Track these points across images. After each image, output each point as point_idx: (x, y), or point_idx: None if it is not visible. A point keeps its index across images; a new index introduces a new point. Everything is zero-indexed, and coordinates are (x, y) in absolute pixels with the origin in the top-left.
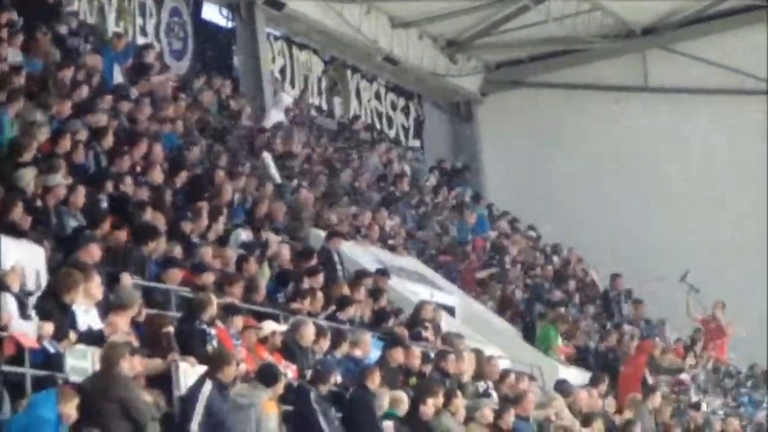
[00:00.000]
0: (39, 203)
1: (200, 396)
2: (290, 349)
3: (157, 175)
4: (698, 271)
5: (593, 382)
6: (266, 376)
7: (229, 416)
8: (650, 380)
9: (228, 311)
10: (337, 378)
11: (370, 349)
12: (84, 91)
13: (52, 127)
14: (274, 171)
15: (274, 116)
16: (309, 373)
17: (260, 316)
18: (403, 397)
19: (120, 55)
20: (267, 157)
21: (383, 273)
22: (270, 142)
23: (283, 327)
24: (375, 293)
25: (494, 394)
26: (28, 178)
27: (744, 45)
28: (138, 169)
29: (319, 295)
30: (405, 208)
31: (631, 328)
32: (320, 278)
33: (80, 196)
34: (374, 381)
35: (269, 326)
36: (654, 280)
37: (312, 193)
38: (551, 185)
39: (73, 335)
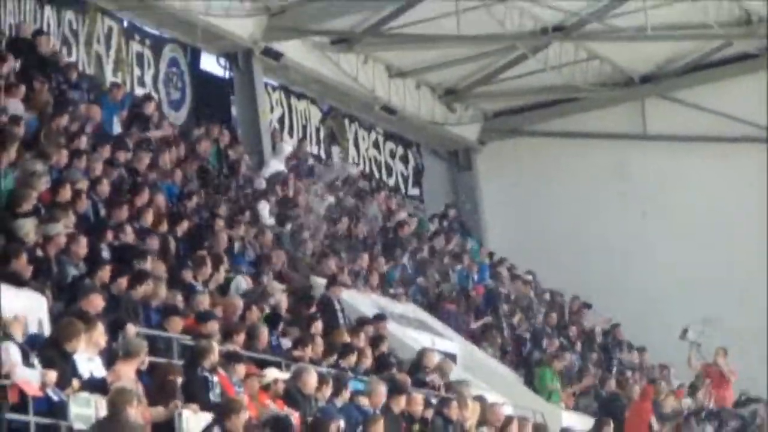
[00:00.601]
0: (40, 252)
1: None
2: (292, 396)
3: (160, 224)
4: (699, 314)
5: (597, 428)
6: (279, 428)
7: None
8: (655, 426)
9: (230, 359)
10: (340, 425)
11: (382, 399)
12: (82, 141)
13: (52, 177)
14: (267, 219)
15: (274, 165)
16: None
17: (262, 364)
18: None
19: (118, 105)
20: (262, 207)
21: (381, 318)
22: (268, 191)
23: (285, 375)
24: (375, 340)
25: None
26: (28, 228)
27: (743, 93)
28: (138, 218)
29: (320, 341)
30: (405, 256)
31: (633, 374)
32: (319, 325)
33: (82, 246)
34: (377, 430)
35: (272, 374)
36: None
37: (312, 241)
38: (551, 232)
39: (76, 383)
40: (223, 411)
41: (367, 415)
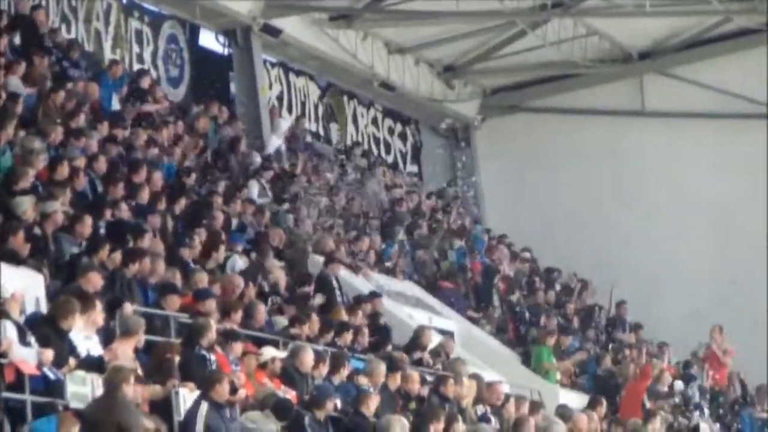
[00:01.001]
0: (37, 230)
1: (198, 416)
2: (289, 374)
3: (157, 202)
4: (697, 296)
5: (591, 406)
6: (281, 410)
7: None
8: (648, 405)
9: (227, 337)
10: (336, 403)
11: (382, 379)
12: (80, 119)
13: (49, 155)
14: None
15: (275, 142)
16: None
17: (259, 342)
18: (402, 422)
19: (117, 83)
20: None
21: (377, 295)
22: (261, 170)
23: (282, 353)
24: (372, 317)
25: (493, 419)
26: (25, 206)
27: (742, 69)
28: (136, 196)
29: (316, 319)
30: (402, 233)
31: (633, 351)
32: (316, 303)
33: (86, 225)
34: (369, 407)
35: (269, 352)
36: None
37: (310, 218)
38: (549, 209)
39: (73, 361)
40: (207, 383)
41: (360, 392)
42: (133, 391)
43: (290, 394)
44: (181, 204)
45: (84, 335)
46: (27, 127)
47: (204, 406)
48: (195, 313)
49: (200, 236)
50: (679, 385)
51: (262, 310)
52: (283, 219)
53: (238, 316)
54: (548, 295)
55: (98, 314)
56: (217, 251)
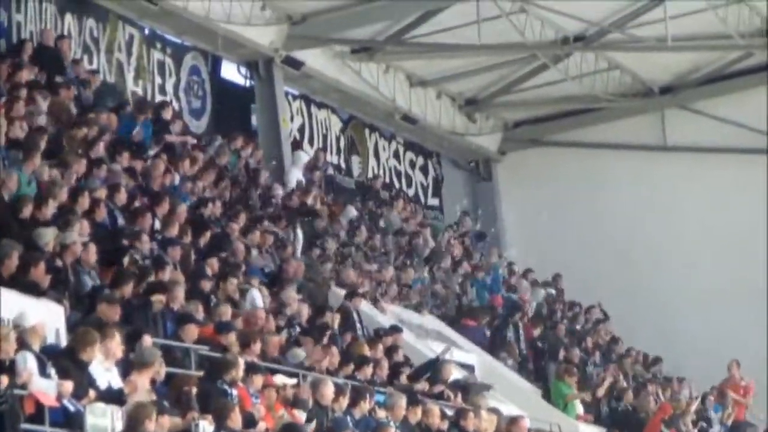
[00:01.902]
0: (59, 262)
1: None
2: (308, 406)
3: (182, 234)
4: (715, 325)
5: None
6: None
7: None
8: None
9: (248, 370)
10: None
11: (402, 412)
12: (100, 150)
13: (70, 186)
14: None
15: (295, 174)
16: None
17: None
18: None
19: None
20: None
21: (397, 330)
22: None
23: (292, 380)
24: (390, 350)
25: None
26: (48, 237)
27: (763, 104)
28: (162, 227)
29: (335, 352)
30: (424, 267)
31: (654, 387)
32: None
33: (92, 253)
34: None
35: (279, 380)
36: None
37: (331, 251)
38: (570, 243)
39: (92, 393)
40: (219, 414)
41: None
42: (155, 427)
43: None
44: (204, 236)
45: (104, 367)
46: (49, 158)
47: None
48: (216, 345)
49: (212, 267)
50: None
51: (276, 342)
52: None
53: (257, 347)
54: (569, 327)
55: (117, 345)
56: (225, 282)
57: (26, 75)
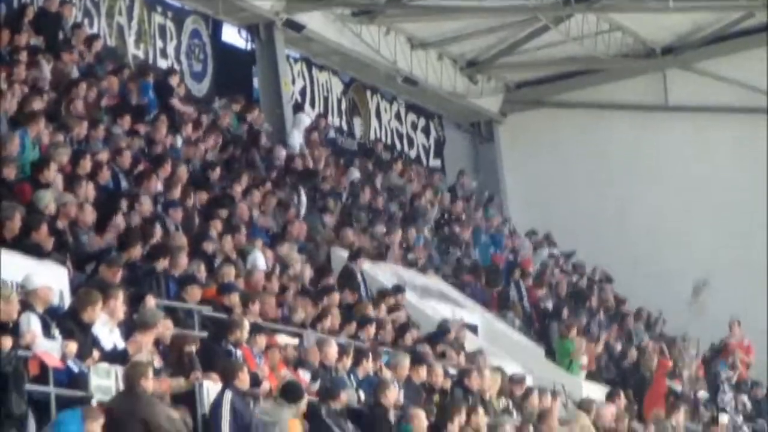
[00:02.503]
0: (59, 224)
1: (224, 403)
2: (313, 367)
3: (183, 196)
4: (723, 291)
5: (610, 397)
6: (290, 393)
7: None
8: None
9: (252, 331)
10: (350, 394)
11: (406, 372)
12: (102, 113)
13: (72, 149)
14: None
15: (297, 137)
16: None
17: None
18: (422, 415)
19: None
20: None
21: (400, 290)
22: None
23: (294, 340)
24: (393, 310)
25: (515, 412)
26: (47, 199)
27: (764, 64)
28: (160, 189)
29: (337, 312)
30: (426, 227)
31: (653, 344)
32: (336, 297)
33: (88, 214)
34: (388, 397)
35: (281, 340)
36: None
37: (333, 212)
38: (572, 204)
39: (96, 354)
40: (227, 373)
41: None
42: (153, 385)
43: (303, 381)
44: (204, 197)
45: (107, 328)
46: (51, 122)
47: (228, 394)
48: (219, 306)
49: (216, 228)
50: (703, 394)
51: (272, 302)
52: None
53: (256, 308)
54: (571, 288)
55: (119, 306)
56: (236, 243)
57: (26, 39)
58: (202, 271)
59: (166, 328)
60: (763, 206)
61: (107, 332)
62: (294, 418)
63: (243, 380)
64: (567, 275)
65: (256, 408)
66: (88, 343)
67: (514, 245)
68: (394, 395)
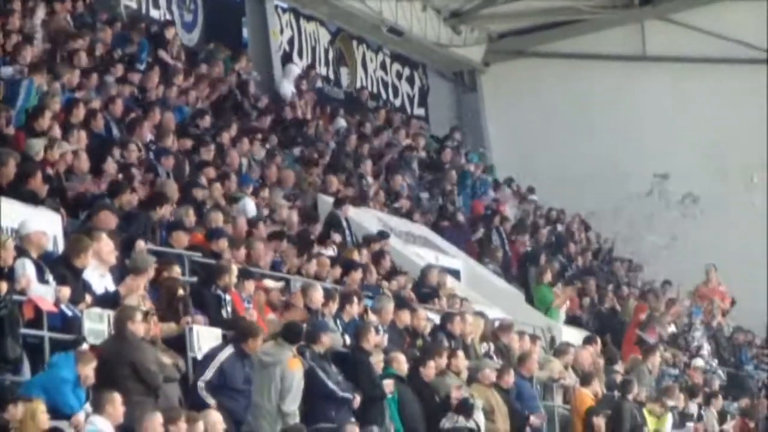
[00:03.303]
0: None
1: (217, 358)
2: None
3: (170, 143)
4: (703, 238)
5: (587, 342)
6: (291, 334)
7: (255, 374)
8: (651, 341)
9: (240, 276)
10: (333, 338)
11: (390, 317)
12: (94, 62)
13: (64, 97)
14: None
15: (286, 87)
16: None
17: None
18: (401, 358)
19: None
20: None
21: (384, 235)
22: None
23: (279, 284)
24: (378, 255)
25: (495, 356)
26: (38, 148)
27: (742, 15)
28: (150, 137)
29: (323, 259)
30: (409, 175)
31: (632, 290)
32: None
33: (83, 161)
34: (369, 340)
35: (266, 283)
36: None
37: (319, 160)
38: (553, 152)
39: (89, 298)
40: (243, 333)
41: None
42: (143, 329)
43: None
44: (195, 145)
45: (98, 273)
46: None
47: (228, 351)
48: (207, 252)
49: (207, 175)
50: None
51: (261, 248)
52: (292, 162)
53: (242, 254)
54: (551, 236)
55: (108, 249)
56: (225, 190)
57: None
58: (190, 216)
59: (176, 274)
60: (738, 154)
61: (98, 277)
62: (294, 357)
63: (252, 347)
64: (547, 222)
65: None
66: (79, 287)
67: (495, 193)
68: (374, 339)
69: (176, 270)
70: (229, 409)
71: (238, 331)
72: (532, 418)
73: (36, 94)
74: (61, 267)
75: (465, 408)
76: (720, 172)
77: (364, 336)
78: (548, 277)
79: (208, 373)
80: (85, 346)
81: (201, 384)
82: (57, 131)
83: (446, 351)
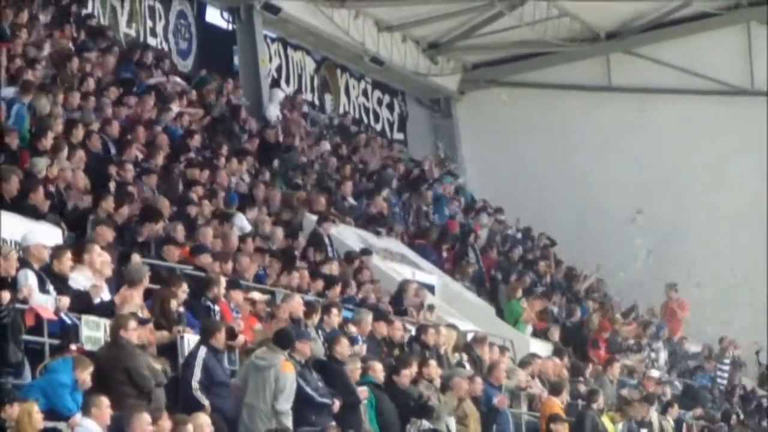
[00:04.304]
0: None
1: (197, 359)
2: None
3: (161, 160)
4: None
5: (557, 354)
6: (282, 340)
7: (250, 377)
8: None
9: (228, 286)
10: (312, 346)
11: (369, 328)
12: (90, 84)
13: (64, 118)
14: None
15: (273, 111)
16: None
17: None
18: (378, 366)
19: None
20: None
21: (365, 252)
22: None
23: (265, 296)
24: (358, 271)
25: (467, 366)
26: (41, 166)
27: (700, 49)
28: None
29: (305, 272)
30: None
31: (596, 304)
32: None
33: (80, 179)
34: (341, 349)
35: (252, 295)
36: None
37: (306, 181)
38: (523, 175)
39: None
40: (207, 331)
41: (354, 341)
42: (136, 337)
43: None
44: (187, 165)
45: (90, 284)
46: (48, 94)
47: (203, 351)
48: (192, 265)
49: (197, 193)
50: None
51: (246, 262)
52: (280, 181)
53: (229, 267)
54: (522, 254)
55: (98, 260)
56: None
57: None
58: (179, 232)
59: (182, 291)
60: (701, 181)
61: (88, 284)
62: (287, 360)
63: (219, 340)
64: (517, 242)
65: (253, 354)
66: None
67: (467, 213)
68: (345, 347)
69: (184, 287)
70: (219, 409)
71: (202, 332)
72: (496, 399)
73: (28, 117)
74: (49, 275)
75: (425, 412)
76: (681, 194)
77: (335, 345)
78: (518, 292)
79: (197, 373)
80: (73, 347)
81: (195, 384)
82: (59, 150)
83: (418, 360)
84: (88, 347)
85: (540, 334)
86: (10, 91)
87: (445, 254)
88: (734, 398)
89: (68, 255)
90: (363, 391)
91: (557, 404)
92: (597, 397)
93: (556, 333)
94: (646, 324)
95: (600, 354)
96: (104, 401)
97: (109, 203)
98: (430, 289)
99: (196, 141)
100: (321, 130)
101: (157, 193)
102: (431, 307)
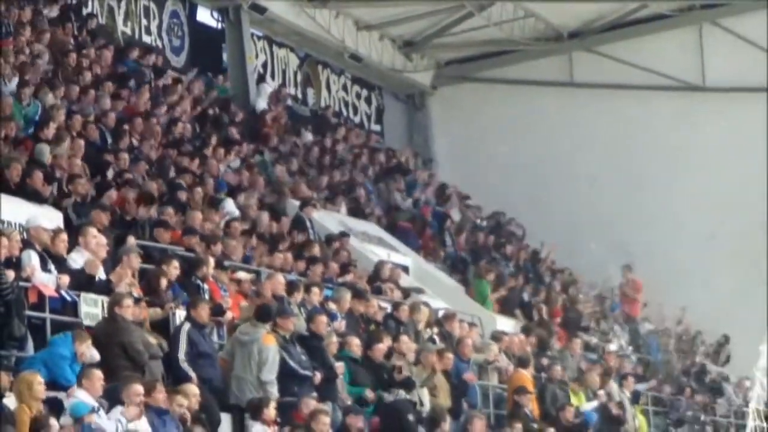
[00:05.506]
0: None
1: (182, 333)
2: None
3: (154, 150)
4: (615, 240)
5: (525, 331)
6: (263, 314)
7: (236, 352)
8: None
9: (217, 267)
10: (295, 322)
11: (347, 306)
12: (87, 78)
13: (65, 109)
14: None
15: (261, 104)
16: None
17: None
18: (355, 341)
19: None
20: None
21: (344, 234)
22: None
23: (250, 275)
24: (338, 252)
25: (438, 340)
26: (45, 153)
27: (656, 48)
28: (140, 146)
29: (289, 254)
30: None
31: (556, 284)
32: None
33: (78, 166)
34: (319, 326)
35: (238, 275)
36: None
37: (289, 168)
38: (492, 165)
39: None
40: (189, 306)
41: (334, 317)
42: (131, 313)
43: None
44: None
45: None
46: (49, 86)
47: (187, 325)
48: (186, 247)
49: (186, 180)
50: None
51: (233, 244)
52: (266, 168)
53: (218, 248)
54: (489, 238)
55: (98, 243)
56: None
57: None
58: (170, 216)
59: (173, 268)
60: (658, 171)
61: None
62: (268, 333)
63: (200, 314)
64: (485, 228)
65: (237, 330)
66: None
67: (438, 198)
68: (322, 324)
69: (174, 264)
70: (206, 379)
71: (186, 307)
72: (466, 376)
73: (21, 111)
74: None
75: (407, 384)
76: (641, 184)
77: (312, 321)
78: (488, 276)
79: (183, 346)
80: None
81: (181, 356)
82: (62, 140)
83: (390, 336)
84: (86, 323)
85: (506, 311)
86: (12, 85)
87: (420, 241)
88: (690, 374)
89: (64, 237)
90: (339, 367)
91: (525, 376)
92: (554, 369)
93: (521, 312)
94: (602, 300)
95: (561, 332)
96: (96, 374)
97: (111, 192)
98: (405, 269)
99: (187, 131)
100: (303, 122)
101: (146, 179)
102: (419, 290)
